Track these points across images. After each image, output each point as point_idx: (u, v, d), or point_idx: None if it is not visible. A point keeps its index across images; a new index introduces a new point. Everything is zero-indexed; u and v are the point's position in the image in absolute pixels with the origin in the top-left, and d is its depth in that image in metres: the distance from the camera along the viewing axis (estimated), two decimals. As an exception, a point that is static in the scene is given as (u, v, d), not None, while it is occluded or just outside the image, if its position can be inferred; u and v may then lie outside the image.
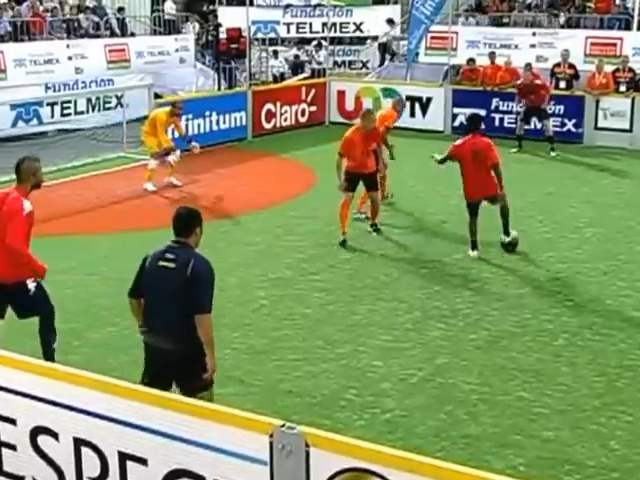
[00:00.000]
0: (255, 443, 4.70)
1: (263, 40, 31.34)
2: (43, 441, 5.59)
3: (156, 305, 6.83)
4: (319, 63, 29.57)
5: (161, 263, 6.81)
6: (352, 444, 4.49)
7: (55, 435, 5.53)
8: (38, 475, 5.68)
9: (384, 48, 29.69)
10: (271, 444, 4.64)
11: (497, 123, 21.76)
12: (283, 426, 4.65)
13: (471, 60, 23.58)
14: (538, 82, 20.44)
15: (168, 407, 5.06)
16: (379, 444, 4.49)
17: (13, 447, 5.75)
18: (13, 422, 5.71)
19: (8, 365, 5.71)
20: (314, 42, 30.77)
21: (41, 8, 24.53)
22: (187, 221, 6.99)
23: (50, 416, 5.53)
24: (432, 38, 26.21)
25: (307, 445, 4.56)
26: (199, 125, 20.67)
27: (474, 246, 12.58)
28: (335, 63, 29.61)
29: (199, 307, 6.71)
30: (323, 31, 29.71)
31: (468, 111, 21.75)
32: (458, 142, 12.77)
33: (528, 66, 20.71)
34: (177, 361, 6.76)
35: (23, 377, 5.63)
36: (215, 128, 21.14)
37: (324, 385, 8.57)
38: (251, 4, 25.66)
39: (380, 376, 8.80)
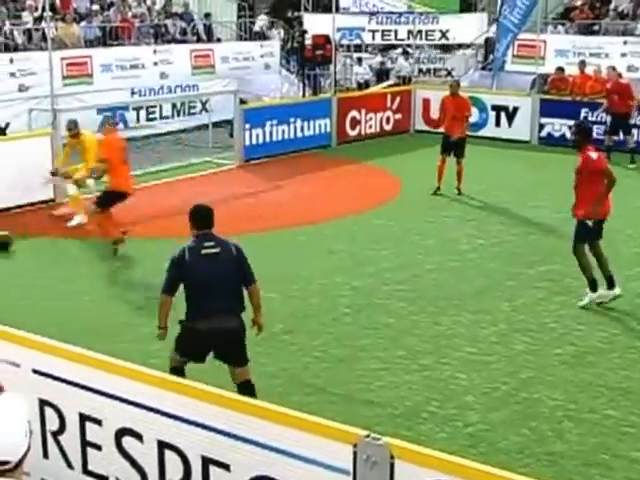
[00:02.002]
0: (339, 453, 4.69)
1: (348, 47, 31.34)
2: (127, 442, 5.67)
3: (212, 289, 7.46)
4: (400, 70, 29.47)
5: (205, 252, 7.58)
6: (438, 457, 4.44)
7: (139, 437, 5.61)
8: (122, 475, 5.76)
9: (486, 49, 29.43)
10: (355, 454, 4.63)
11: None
12: (368, 436, 4.62)
13: (560, 69, 23.21)
14: (623, 81, 20.07)
15: (251, 413, 5.07)
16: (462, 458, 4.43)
17: (98, 447, 5.86)
18: (99, 423, 5.81)
19: (95, 366, 5.80)
20: (399, 49, 30.69)
21: (130, 14, 24.90)
22: (211, 216, 7.81)
23: (135, 418, 5.60)
24: (519, 46, 25.98)
25: (392, 457, 4.53)
26: (283, 131, 20.75)
27: (593, 286, 10.93)
28: (420, 71, 29.46)
29: (252, 278, 7.74)
30: (409, 38, 29.61)
31: (556, 121, 21.50)
32: (593, 156, 10.79)
33: (612, 68, 20.41)
34: (238, 335, 7.63)
35: (109, 378, 5.71)
36: (299, 135, 21.19)
37: (406, 396, 8.47)
38: (337, 11, 25.65)
39: (463, 389, 8.66)
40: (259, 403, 5.18)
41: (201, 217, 7.82)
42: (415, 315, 10.55)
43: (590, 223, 10.77)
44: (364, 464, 4.60)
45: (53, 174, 15.10)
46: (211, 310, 7.45)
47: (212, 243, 7.63)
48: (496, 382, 8.78)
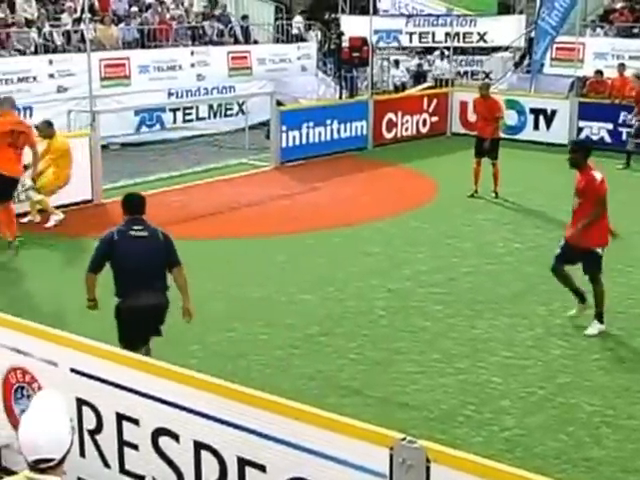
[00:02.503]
0: (375, 455, 4.70)
1: (385, 49, 31.32)
2: (164, 442, 5.73)
3: (138, 269, 7.98)
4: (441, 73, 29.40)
5: (133, 234, 8.13)
6: (474, 461, 4.44)
7: (176, 437, 5.67)
8: (158, 475, 5.82)
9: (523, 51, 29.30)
10: (391, 457, 4.64)
11: (625, 137, 21.04)
12: (404, 439, 4.63)
13: (599, 72, 23.06)
14: None
15: (288, 415, 5.09)
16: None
17: (135, 447, 5.93)
18: (136, 422, 5.88)
19: (132, 366, 5.87)
20: (436, 52, 30.63)
21: (167, 16, 25.04)
22: (142, 203, 8.38)
23: (172, 418, 5.66)
24: (558, 49, 25.84)
25: (428, 460, 4.54)
26: (320, 133, 20.78)
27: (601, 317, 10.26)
28: (457, 73, 29.37)
29: (177, 260, 8.26)
30: (446, 41, 29.53)
31: (594, 125, 21.32)
32: (598, 177, 10.06)
33: (637, 76, 20.21)
34: (161, 311, 8.16)
35: (146, 379, 5.78)
36: (336, 137, 21.21)
37: (442, 399, 8.44)
38: (374, 13, 25.63)
39: (499, 393, 8.61)
40: (297, 405, 5.18)
41: (131, 204, 8.36)
42: (451, 318, 10.52)
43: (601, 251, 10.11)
44: (400, 467, 4.61)
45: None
46: (138, 288, 7.95)
47: (141, 227, 8.17)
48: (532, 386, 8.72)
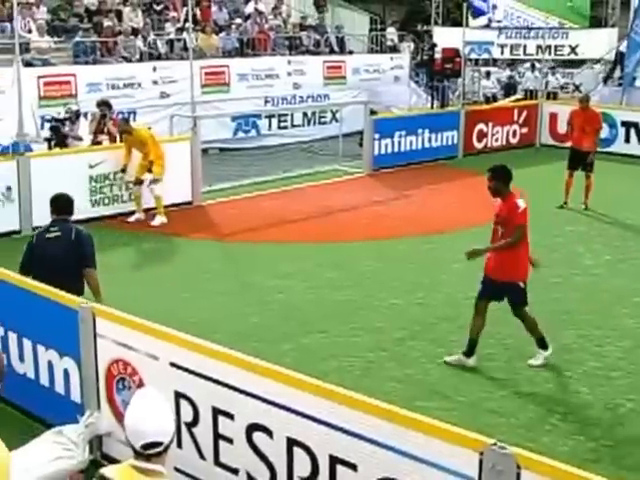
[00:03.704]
0: (464, 459, 4.71)
1: (476, 61, 31.30)
2: (258, 437, 5.82)
3: (50, 267, 8.05)
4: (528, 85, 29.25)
5: (48, 235, 8.37)
6: (565, 470, 4.41)
7: (270, 433, 5.75)
8: (251, 469, 5.92)
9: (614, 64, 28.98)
10: (481, 462, 4.64)
11: None
12: (495, 445, 4.62)
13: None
14: None
15: (381, 416, 5.14)
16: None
17: (230, 440, 6.04)
18: (231, 417, 5.99)
19: (228, 362, 6.01)
20: (527, 64, 30.49)
21: (266, 26, 25.48)
22: (62, 204, 8.60)
23: (266, 414, 5.75)
24: (650, 62, 25.52)
25: (518, 467, 4.52)
26: (411, 142, 20.99)
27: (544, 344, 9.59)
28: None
29: (87, 263, 8.37)
30: (537, 53, 29.38)
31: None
32: (521, 204, 9.58)
33: None
34: None
35: (242, 375, 5.89)
36: (427, 145, 21.40)
37: (529, 407, 8.48)
38: (467, 25, 25.71)
39: (586, 403, 8.61)
40: (389, 407, 5.22)
41: (54, 204, 8.64)
42: (539, 328, 10.52)
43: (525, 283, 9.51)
44: (489, 472, 4.61)
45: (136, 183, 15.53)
46: (50, 285, 7.71)
47: (56, 228, 8.40)
48: (620, 398, 8.68)
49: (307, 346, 9.78)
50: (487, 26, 31.56)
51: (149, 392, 4.57)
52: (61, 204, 8.64)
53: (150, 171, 15.09)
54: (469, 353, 9.40)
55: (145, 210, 15.54)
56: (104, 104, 16.51)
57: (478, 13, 32.05)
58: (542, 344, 9.50)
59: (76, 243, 8.37)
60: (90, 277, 8.41)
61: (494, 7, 32.09)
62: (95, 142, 16.52)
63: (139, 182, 15.30)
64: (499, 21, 31.96)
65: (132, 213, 15.52)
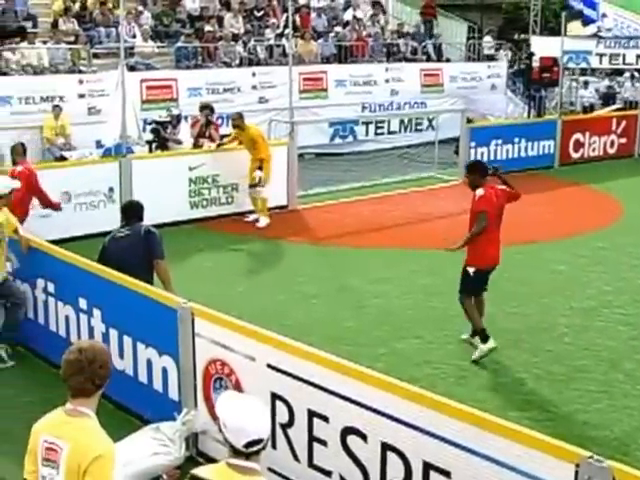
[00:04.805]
0: (560, 471, 4.69)
1: (574, 70, 30.92)
2: (352, 441, 5.86)
3: (122, 261, 8.41)
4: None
5: (118, 235, 8.90)
6: None
7: (364, 437, 5.78)
8: (345, 473, 5.96)
9: None
10: (576, 474, 4.61)
11: None
12: (591, 457, 4.58)
13: None
14: None
15: (477, 425, 5.15)
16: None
17: (324, 443, 6.09)
18: (326, 420, 6.04)
19: (325, 365, 6.05)
20: (627, 73, 30.00)
21: (364, 33, 25.62)
22: (128, 209, 9.18)
23: (360, 418, 5.78)
24: None
25: None
26: (507, 151, 20.85)
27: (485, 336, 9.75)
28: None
29: (157, 255, 8.75)
30: (637, 63, 28.89)
31: None
32: (478, 192, 9.72)
33: None
34: None
35: (337, 378, 5.94)
36: (523, 154, 21.26)
37: (624, 420, 8.34)
38: (565, 34, 25.42)
39: (684, 418, 8.46)
40: (485, 415, 5.23)
41: (124, 212, 9.24)
42: (635, 340, 10.37)
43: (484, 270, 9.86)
44: None
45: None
46: None
47: (126, 229, 8.95)
48: None
49: (401, 351, 9.80)
50: (594, 35, 31.07)
51: (238, 394, 4.64)
52: (132, 212, 9.13)
53: (260, 168, 15.32)
54: (485, 339, 9.58)
55: (241, 213, 15.77)
56: (207, 108, 16.77)
57: (588, 21, 31.60)
58: (481, 337, 9.61)
59: (144, 238, 8.78)
60: (160, 268, 8.79)
61: (604, 15, 31.58)
62: (197, 145, 16.84)
63: (253, 185, 15.55)
64: (609, 29, 31.42)
65: (228, 216, 15.78)
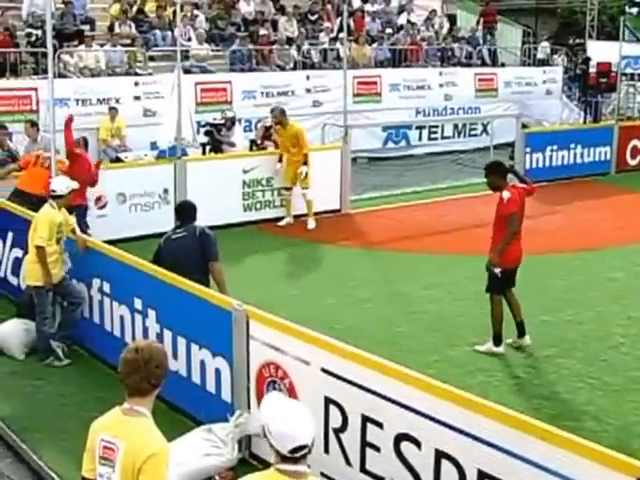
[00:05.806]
0: None
1: (632, 75, 30.55)
2: (406, 447, 5.84)
3: (177, 263, 8.53)
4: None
5: (174, 237, 8.99)
6: None
7: (418, 444, 5.76)
8: (397, 478, 5.93)
9: None
10: None
11: None
12: None
13: None
14: None
15: (534, 434, 5.10)
16: None
17: (377, 448, 6.08)
18: (380, 425, 6.03)
19: (379, 370, 6.03)
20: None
21: (418, 37, 25.56)
22: (182, 210, 9.30)
23: (415, 425, 5.76)
24: None
25: None
26: (563, 157, 20.69)
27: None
28: None
29: (212, 257, 8.87)
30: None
31: None
32: (505, 195, 9.74)
33: None
34: None
35: (392, 384, 5.92)
36: (579, 161, 21.04)
37: (682, 433, 8.22)
38: (623, 39, 25.15)
39: None
40: (541, 425, 5.18)
41: (178, 212, 9.47)
42: (699, 352, 10.20)
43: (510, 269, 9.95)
44: None
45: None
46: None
47: (181, 229, 9.03)
48: None
49: (453, 358, 9.75)
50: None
51: (281, 397, 4.59)
52: (185, 212, 9.24)
53: (305, 163, 15.39)
54: (498, 342, 9.80)
55: (295, 216, 15.82)
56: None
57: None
58: (495, 339, 9.84)
59: (199, 240, 8.87)
60: (215, 270, 8.89)
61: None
62: (260, 147, 17.03)
63: (289, 188, 15.61)
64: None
65: (282, 218, 15.81)
